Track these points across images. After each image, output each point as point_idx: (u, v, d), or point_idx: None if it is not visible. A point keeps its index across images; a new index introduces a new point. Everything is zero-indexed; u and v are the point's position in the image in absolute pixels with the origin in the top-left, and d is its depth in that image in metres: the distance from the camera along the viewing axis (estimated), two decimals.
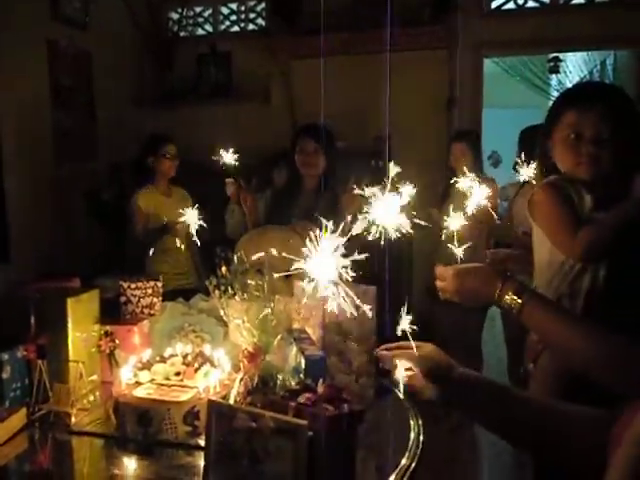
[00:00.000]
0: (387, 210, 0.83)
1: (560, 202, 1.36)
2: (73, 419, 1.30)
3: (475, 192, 1.13)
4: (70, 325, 1.40)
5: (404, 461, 1.17)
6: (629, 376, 0.89)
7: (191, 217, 1.96)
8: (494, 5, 4.13)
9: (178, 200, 3.06)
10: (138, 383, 1.32)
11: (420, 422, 1.32)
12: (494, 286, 1.05)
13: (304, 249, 0.81)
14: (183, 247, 3.04)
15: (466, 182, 1.14)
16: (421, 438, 1.27)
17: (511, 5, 4.11)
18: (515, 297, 1.02)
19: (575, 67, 5.28)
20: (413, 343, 0.96)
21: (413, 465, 1.17)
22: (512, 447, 0.89)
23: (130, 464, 1.20)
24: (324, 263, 0.83)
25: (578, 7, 4.00)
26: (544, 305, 1.03)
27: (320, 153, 2.48)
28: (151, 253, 2.79)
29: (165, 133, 3.22)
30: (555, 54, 4.55)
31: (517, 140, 3.11)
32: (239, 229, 2.60)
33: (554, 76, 5.10)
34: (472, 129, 3.67)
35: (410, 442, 1.25)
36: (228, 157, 2.28)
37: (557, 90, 5.18)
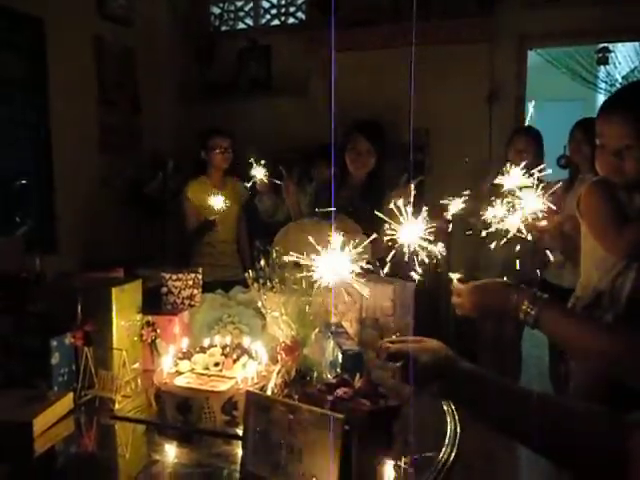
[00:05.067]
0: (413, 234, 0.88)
1: (606, 200, 1.36)
2: (117, 405, 1.35)
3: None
4: (114, 314, 1.44)
5: (440, 456, 1.16)
6: None
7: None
8: None
9: (231, 193, 3.09)
10: (178, 372, 1.36)
11: (457, 417, 1.31)
12: (509, 299, 1.08)
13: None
14: (230, 238, 3.12)
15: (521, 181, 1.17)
16: (458, 433, 1.26)
17: None
18: (530, 306, 1.05)
19: (625, 58, 5.08)
20: (419, 337, 0.99)
21: (450, 461, 1.16)
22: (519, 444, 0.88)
23: (170, 450, 1.23)
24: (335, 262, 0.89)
25: None
26: (559, 311, 1.06)
27: (372, 154, 2.45)
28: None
29: (217, 126, 3.24)
30: (603, 45, 4.39)
31: (569, 133, 3.02)
32: (270, 213, 2.62)
33: (602, 67, 4.92)
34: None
35: (447, 437, 1.24)
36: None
37: (605, 82, 5.00)
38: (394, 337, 1.06)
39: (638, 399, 0.80)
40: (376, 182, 2.46)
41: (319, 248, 1.01)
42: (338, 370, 1.23)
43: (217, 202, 2.79)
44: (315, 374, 1.21)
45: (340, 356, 1.26)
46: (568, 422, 0.83)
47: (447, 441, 1.23)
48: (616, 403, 0.84)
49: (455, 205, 1.33)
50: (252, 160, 2.42)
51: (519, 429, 0.86)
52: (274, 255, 1.40)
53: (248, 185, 2.54)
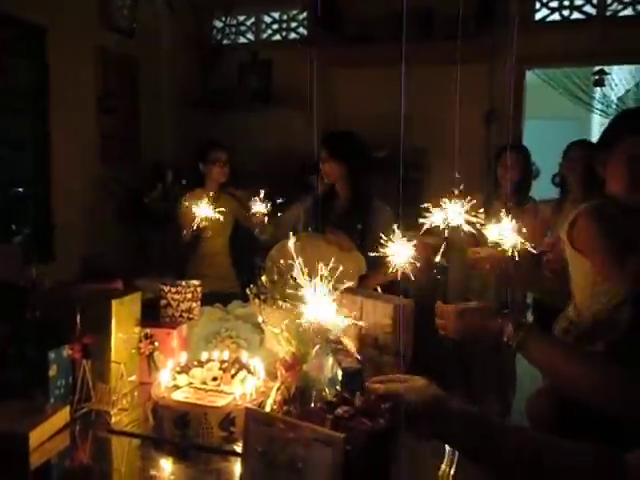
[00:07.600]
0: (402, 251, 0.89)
1: (607, 230, 1.29)
2: (113, 419, 1.34)
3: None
4: (113, 326, 1.44)
5: (440, 473, 1.16)
6: (627, 404, 0.93)
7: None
8: (538, 17, 4.08)
9: (225, 207, 3.09)
10: (176, 386, 1.35)
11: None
12: (494, 323, 1.09)
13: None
14: (225, 251, 3.11)
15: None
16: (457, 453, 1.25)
17: (556, 17, 4.05)
18: (514, 330, 1.06)
19: (621, 80, 5.15)
20: (407, 376, 0.98)
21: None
22: None
23: (166, 466, 1.22)
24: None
25: (625, 19, 3.91)
26: (543, 338, 1.07)
27: (330, 161, 2.49)
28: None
29: (216, 140, 3.25)
30: (601, 67, 4.45)
31: (562, 154, 3.07)
32: (271, 240, 2.63)
33: (598, 89, 4.98)
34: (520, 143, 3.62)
35: (446, 454, 1.23)
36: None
37: (601, 103, 5.06)
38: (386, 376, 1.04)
39: (607, 428, 0.81)
40: (359, 193, 2.48)
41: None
42: (337, 387, 1.23)
43: (210, 215, 2.68)
44: (314, 391, 1.21)
45: (340, 373, 1.26)
46: (556, 459, 0.82)
47: (447, 456, 1.22)
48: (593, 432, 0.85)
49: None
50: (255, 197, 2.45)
51: (510, 469, 0.85)
52: (274, 270, 1.40)
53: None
